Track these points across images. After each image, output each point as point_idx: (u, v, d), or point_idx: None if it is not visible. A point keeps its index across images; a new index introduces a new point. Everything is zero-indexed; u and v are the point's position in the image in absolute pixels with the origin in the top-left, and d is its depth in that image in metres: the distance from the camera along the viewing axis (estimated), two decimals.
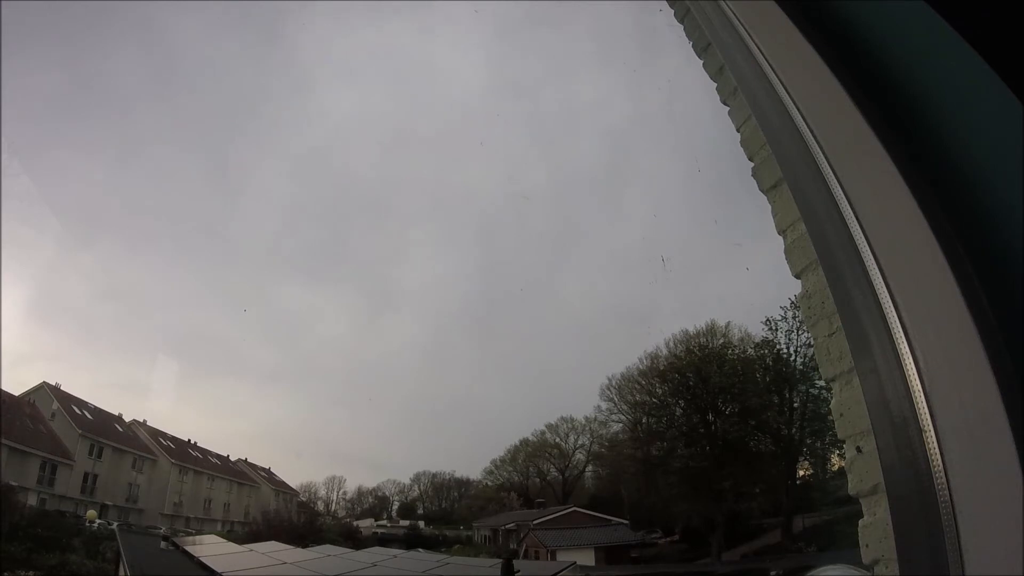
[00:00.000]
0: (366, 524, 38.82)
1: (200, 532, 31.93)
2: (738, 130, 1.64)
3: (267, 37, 46.62)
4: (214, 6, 42.56)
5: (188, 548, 22.30)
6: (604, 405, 35.56)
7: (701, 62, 1.81)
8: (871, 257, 0.97)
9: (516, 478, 42.09)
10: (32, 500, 27.25)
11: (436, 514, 43.91)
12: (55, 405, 32.40)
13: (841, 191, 1.04)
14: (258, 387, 51.32)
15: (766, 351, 30.23)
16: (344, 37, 46.67)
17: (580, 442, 40.34)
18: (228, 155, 46.79)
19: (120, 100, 44.68)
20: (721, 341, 31.67)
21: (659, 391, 31.91)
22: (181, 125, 47.22)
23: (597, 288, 44.81)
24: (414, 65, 47.66)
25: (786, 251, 1.44)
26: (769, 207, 1.52)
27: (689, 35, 1.85)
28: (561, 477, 40.79)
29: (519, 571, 21.64)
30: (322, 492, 45.22)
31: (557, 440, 41.00)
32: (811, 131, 1.11)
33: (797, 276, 1.40)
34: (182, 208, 48.03)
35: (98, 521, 27.94)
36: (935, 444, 0.83)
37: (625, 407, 34.15)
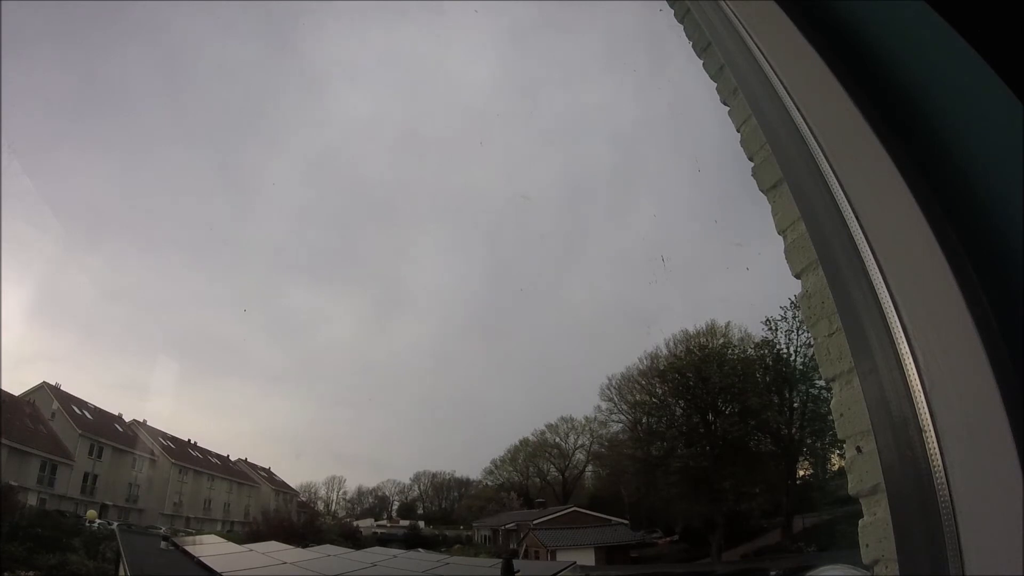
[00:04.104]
0: (366, 524, 38.79)
1: (200, 532, 31.93)
2: (738, 130, 1.64)
3: (277, 40, 46.54)
4: (223, 7, 42.49)
5: (188, 548, 22.29)
6: (604, 405, 35.55)
7: (701, 62, 1.81)
8: (871, 257, 0.97)
9: (516, 478, 42.09)
10: (32, 500, 27.22)
11: (436, 514, 43.87)
12: (55, 405, 32.38)
13: (841, 191, 1.04)
14: (260, 387, 51.32)
15: (766, 351, 30.25)
16: (354, 40, 46.60)
17: (580, 442, 40.33)
18: (237, 157, 46.74)
19: (129, 101, 44.61)
20: (721, 341, 31.67)
21: (659, 391, 31.91)
22: (190, 126, 47.22)
23: (598, 288, 44.79)
24: (424, 68, 47.64)
25: (786, 251, 1.44)
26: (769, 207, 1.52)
27: (689, 35, 1.85)
28: (561, 477, 40.77)
29: (519, 571, 21.62)
30: (322, 492, 45.21)
31: (557, 440, 41.02)
32: (811, 131, 1.11)
33: (797, 276, 1.40)
34: (189, 209, 47.96)
35: (98, 521, 27.93)
36: (935, 444, 0.83)
37: (625, 407, 34.16)
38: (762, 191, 1.54)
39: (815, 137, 1.11)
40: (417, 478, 46.20)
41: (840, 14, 1.19)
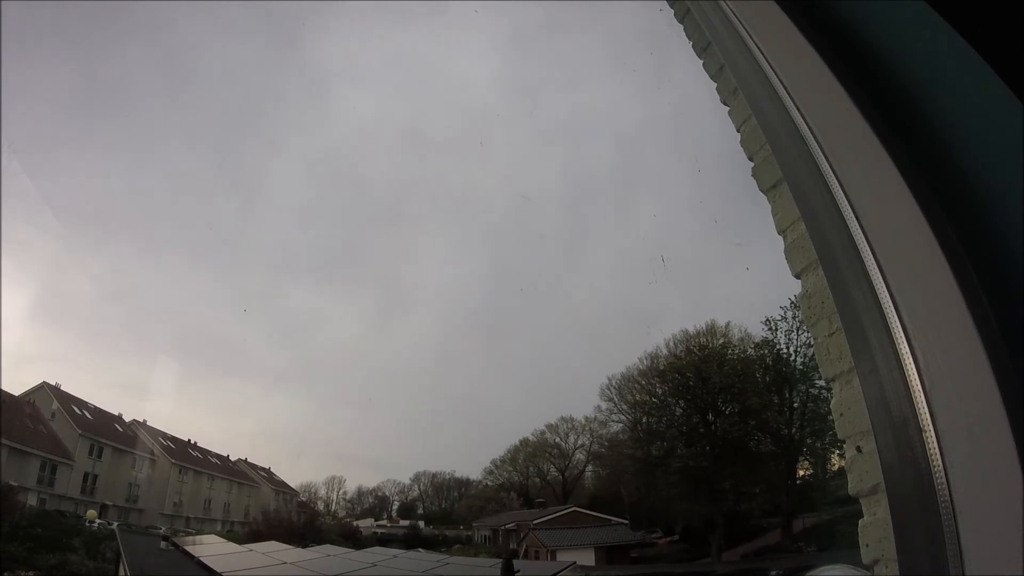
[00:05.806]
0: (366, 524, 38.79)
1: (200, 532, 31.94)
2: (738, 130, 1.64)
3: (278, 40, 46.50)
4: (224, 7, 42.49)
5: (188, 548, 22.30)
6: (604, 405, 35.54)
7: (701, 62, 1.81)
8: (871, 257, 0.97)
9: (516, 478, 42.09)
10: (32, 500, 27.22)
11: (436, 514, 43.87)
12: (55, 405, 32.38)
13: (841, 191, 1.04)
14: (260, 387, 51.44)
15: (766, 351, 30.25)
16: (355, 40, 46.59)
17: (580, 442, 40.36)
18: (237, 157, 46.76)
19: (130, 101, 44.60)
20: (721, 341, 31.67)
21: (659, 391, 31.92)
22: (191, 126, 47.29)
23: (598, 288, 44.81)
24: (424, 68, 47.59)
25: (786, 251, 1.44)
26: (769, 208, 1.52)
27: (689, 35, 1.85)
28: (561, 477, 40.78)
29: (519, 571, 21.62)
30: (322, 492, 45.21)
31: (557, 440, 41.04)
32: (811, 131, 1.11)
33: (797, 276, 1.40)
34: (189, 209, 47.91)
35: (98, 521, 27.93)
36: (935, 444, 0.83)
37: (625, 407, 34.16)
38: (762, 191, 1.54)
39: (815, 137, 1.11)
40: (417, 478, 46.22)
41: (840, 14, 1.19)
